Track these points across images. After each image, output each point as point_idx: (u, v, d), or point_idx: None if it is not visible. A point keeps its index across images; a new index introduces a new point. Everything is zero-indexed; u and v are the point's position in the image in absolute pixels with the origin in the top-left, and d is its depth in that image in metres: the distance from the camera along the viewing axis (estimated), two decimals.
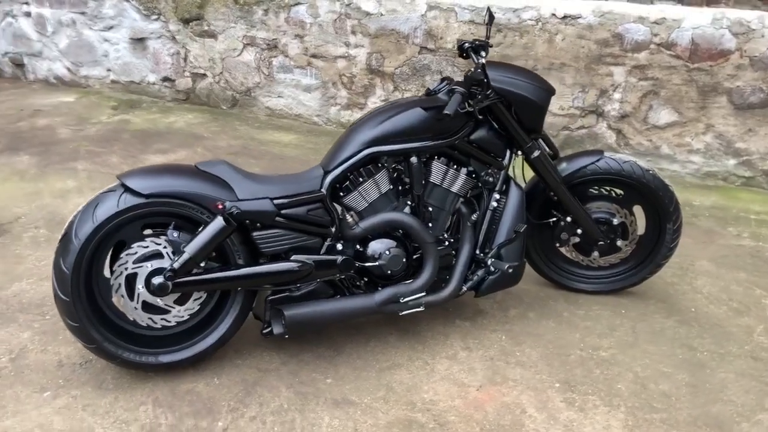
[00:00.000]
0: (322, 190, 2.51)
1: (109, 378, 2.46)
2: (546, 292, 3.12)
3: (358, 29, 5.05)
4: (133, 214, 2.31)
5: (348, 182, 2.58)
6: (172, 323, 2.45)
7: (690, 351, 2.75)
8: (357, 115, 5.26)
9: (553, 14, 4.52)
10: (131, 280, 2.35)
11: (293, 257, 2.47)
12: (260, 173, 2.64)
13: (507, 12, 4.62)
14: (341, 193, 2.59)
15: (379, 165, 2.61)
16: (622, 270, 3.08)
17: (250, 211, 2.39)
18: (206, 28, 5.53)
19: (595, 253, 2.99)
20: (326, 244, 2.55)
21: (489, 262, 2.69)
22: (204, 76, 5.72)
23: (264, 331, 2.51)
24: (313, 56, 5.27)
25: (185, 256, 2.31)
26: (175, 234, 2.35)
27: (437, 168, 2.67)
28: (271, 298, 2.51)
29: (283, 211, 2.45)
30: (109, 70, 6.05)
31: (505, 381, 2.54)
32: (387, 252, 2.58)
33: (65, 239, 2.28)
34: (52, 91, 6.17)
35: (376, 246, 2.59)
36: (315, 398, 2.42)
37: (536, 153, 2.75)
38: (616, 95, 4.56)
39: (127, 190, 2.30)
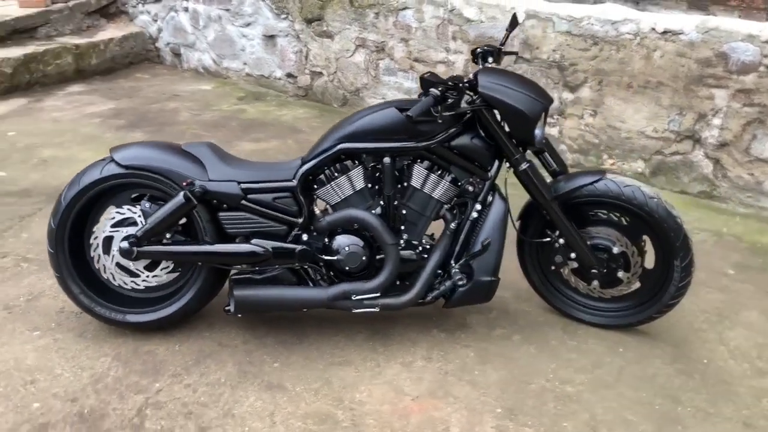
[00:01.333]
0: (294, 180, 2.59)
1: (91, 329, 2.74)
2: (546, 317, 2.94)
3: (459, 35, 5.02)
4: (113, 183, 2.55)
5: (323, 176, 2.64)
6: (141, 287, 2.67)
7: (672, 403, 2.46)
8: None
9: (653, 28, 4.19)
10: (109, 241, 2.60)
11: (253, 241, 2.57)
12: (244, 159, 2.78)
13: (605, 24, 4.35)
14: (315, 186, 2.65)
15: (356, 162, 2.63)
16: (625, 305, 2.82)
17: (215, 192, 2.53)
18: (325, 28, 5.81)
19: (595, 282, 2.76)
20: (293, 233, 2.62)
21: (452, 272, 2.61)
22: (320, 74, 6.00)
23: (225, 308, 2.65)
24: (416, 60, 5.33)
25: (146, 226, 2.51)
26: (147, 205, 2.57)
27: (418, 172, 2.64)
28: (234, 277, 2.64)
29: (249, 196, 2.57)
30: (245, 63, 6.56)
31: (446, 396, 2.46)
32: (347, 248, 2.60)
33: (57, 200, 2.58)
34: (198, 79, 6.81)
35: (340, 241, 2.62)
36: (253, 378, 2.52)
37: (524, 166, 2.61)
38: (716, 121, 4.11)
39: (113, 161, 2.55)
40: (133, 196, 2.64)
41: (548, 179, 2.75)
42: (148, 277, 2.65)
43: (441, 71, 5.18)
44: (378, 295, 2.59)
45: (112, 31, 7.17)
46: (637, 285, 2.79)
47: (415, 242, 2.68)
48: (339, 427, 2.30)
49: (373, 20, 5.49)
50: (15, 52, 6.07)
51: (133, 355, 2.61)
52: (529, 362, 2.66)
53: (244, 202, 2.57)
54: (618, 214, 2.70)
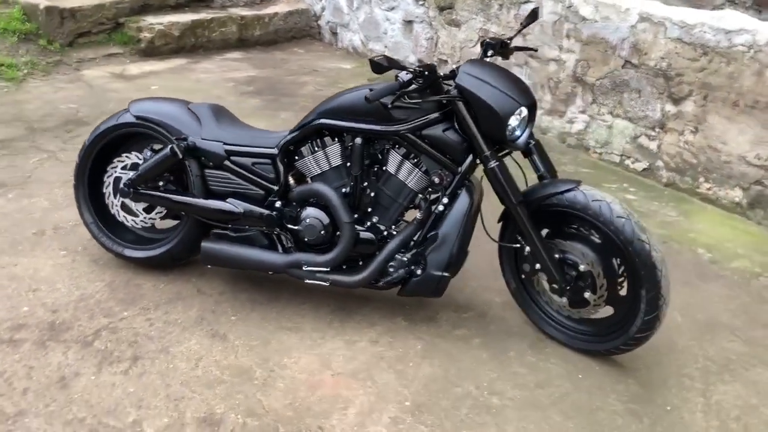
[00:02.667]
0: (275, 148, 2.74)
1: (105, 258, 3.12)
2: (522, 329, 2.81)
3: (572, 34, 4.78)
4: (125, 130, 2.88)
5: (304, 148, 2.75)
6: (139, 226, 2.99)
7: None
8: (557, 122, 5.02)
9: None
10: (118, 182, 2.94)
11: (228, 200, 2.77)
12: (245, 124, 2.97)
13: (718, 33, 3.91)
14: (296, 157, 2.77)
15: (335, 139, 2.71)
16: (593, 330, 2.62)
17: (202, 149, 2.76)
18: (454, 17, 5.81)
19: (564, 299, 2.59)
20: (269, 198, 2.78)
21: (404, 260, 2.60)
22: (446, 62, 6.02)
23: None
24: (530, 56, 5.17)
25: (138, 172, 2.81)
26: (149, 153, 2.86)
27: (393, 157, 2.66)
28: (213, 231, 2.86)
29: (232, 158, 2.76)
30: (385, 46, 6.76)
31: (366, 380, 2.49)
32: (307, 220, 2.69)
33: (84, 142, 2.97)
34: (345, 58, 7.14)
35: (306, 212, 2.72)
36: (206, 325, 2.73)
37: (491, 164, 2.51)
38: None
39: (128, 111, 2.88)
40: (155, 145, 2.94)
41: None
42: (145, 218, 2.96)
43: (551, 70, 4.99)
44: (328, 269, 2.66)
45: (281, 6, 7.73)
46: (609, 311, 2.57)
47: (382, 226, 2.70)
48: (249, 382, 2.43)
49: (497, 11, 5.40)
50: (185, 17, 6.82)
51: (123, 285, 2.95)
52: (471, 367, 2.58)
53: (227, 162, 2.76)
54: (591, 231, 2.50)
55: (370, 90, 2.49)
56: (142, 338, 2.62)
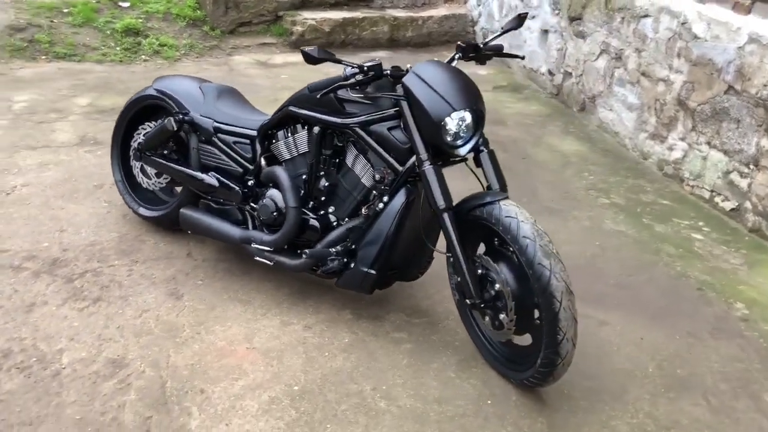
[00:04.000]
0: (255, 131, 2.91)
1: (132, 215, 3.49)
2: (466, 345, 2.69)
3: (683, 53, 4.33)
4: (148, 102, 3.23)
5: (279, 133, 2.90)
6: (152, 188, 3.33)
7: None
8: (657, 147, 4.59)
9: None
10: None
11: (209, 173, 2.99)
12: (246, 105, 3.17)
13: None
14: (273, 141, 2.92)
15: (305, 127, 2.81)
16: (510, 356, 2.44)
17: (193, 123, 3.03)
18: (581, 28, 5.52)
19: (487, 319, 2.45)
20: (245, 176, 2.96)
21: (340, 251, 2.63)
22: (570, 74, 5.74)
23: None
24: (643, 74, 4.76)
25: (143, 139, 3.14)
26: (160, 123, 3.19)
27: (351, 151, 2.72)
28: (201, 201, 3.10)
29: (218, 135, 2.98)
30: (523, 57, 6.59)
31: (273, 359, 2.58)
32: (264, 200, 2.82)
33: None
34: (489, 65, 7.08)
35: (268, 192, 2.85)
36: (171, 284, 3.00)
37: (425, 167, 2.44)
38: None
39: (152, 86, 3.23)
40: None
41: None
42: (155, 182, 3.30)
43: (660, 90, 4.58)
44: (272, 250, 2.77)
45: (439, 11, 7.86)
46: (528, 338, 2.38)
47: (333, 217, 2.75)
48: (172, 339, 2.64)
49: (618, 25, 5.05)
50: (339, 15, 7.21)
51: (131, 239, 3.31)
52: (383, 369, 2.55)
53: (214, 138, 2.99)
54: (510, 249, 2.33)
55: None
56: (114, 285, 2.94)
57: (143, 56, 6.21)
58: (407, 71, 2.53)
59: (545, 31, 6.16)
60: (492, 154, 2.53)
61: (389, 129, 2.55)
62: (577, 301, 2.25)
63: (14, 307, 2.75)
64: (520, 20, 2.73)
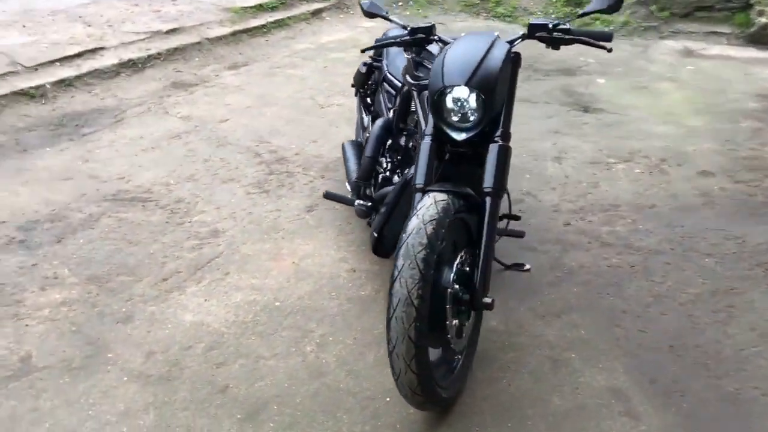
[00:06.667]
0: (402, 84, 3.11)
1: None
2: None
3: None
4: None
5: None
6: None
7: None
8: None
9: None
10: None
11: (371, 116, 3.33)
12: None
13: None
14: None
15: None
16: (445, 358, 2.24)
17: (374, 68, 3.35)
18: None
19: None
20: None
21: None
22: None
23: None
24: None
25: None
26: None
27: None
28: None
29: (383, 82, 3.25)
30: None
31: (310, 282, 2.88)
32: None
33: None
34: None
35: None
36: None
37: (425, 140, 2.31)
38: None
39: None
40: None
41: None
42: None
43: None
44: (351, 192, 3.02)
45: None
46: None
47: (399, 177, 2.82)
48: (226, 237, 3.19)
49: None
50: None
51: None
52: (312, 305, 2.61)
53: (383, 84, 3.26)
54: None
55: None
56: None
57: None
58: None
59: None
60: (503, 150, 2.20)
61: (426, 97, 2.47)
62: None
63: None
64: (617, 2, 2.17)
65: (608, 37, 2.29)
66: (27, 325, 2.57)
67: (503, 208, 2.35)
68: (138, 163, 3.85)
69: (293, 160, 3.89)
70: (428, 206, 2.01)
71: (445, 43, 2.39)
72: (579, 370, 2.36)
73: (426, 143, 2.28)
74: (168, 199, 3.46)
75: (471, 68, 2.17)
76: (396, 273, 1.91)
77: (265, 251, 3.04)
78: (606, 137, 4.25)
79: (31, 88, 4.64)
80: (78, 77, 4.91)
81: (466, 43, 2.28)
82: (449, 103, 2.19)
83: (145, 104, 4.68)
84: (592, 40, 2.27)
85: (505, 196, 2.36)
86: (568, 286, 2.82)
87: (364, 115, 3.49)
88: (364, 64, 3.37)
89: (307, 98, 4.83)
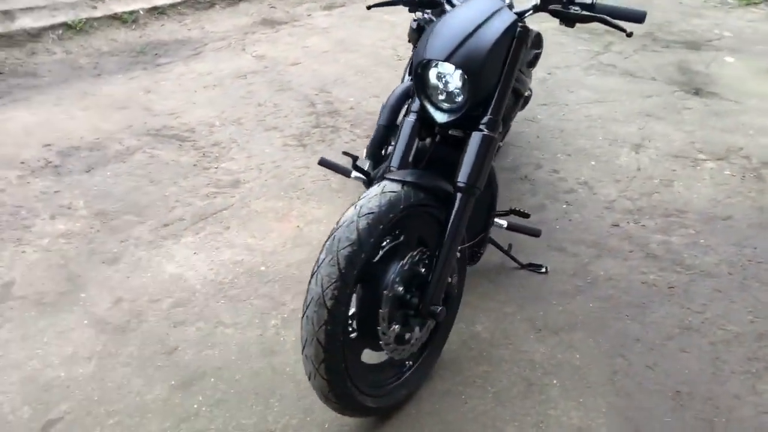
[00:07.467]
0: None
1: None
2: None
3: None
4: None
5: None
6: None
7: None
8: None
9: None
10: None
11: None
12: None
13: None
14: None
15: None
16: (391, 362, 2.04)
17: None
18: None
19: None
20: None
21: None
22: None
23: None
24: None
25: None
26: None
27: None
28: None
29: None
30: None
31: (305, 251, 2.75)
32: None
33: None
34: None
35: None
36: None
37: (409, 117, 2.07)
38: None
39: None
40: None
41: None
42: None
43: None
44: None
45: None
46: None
47: None
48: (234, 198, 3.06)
49: None
50: None
51: None
52: None
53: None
54: None
55: None
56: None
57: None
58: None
59: None
60: (486, 141, 1.90)
61: None
62: None
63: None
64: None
65: (640, 18, 1.88)
66: (23, 252, 2.63)
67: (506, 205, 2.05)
68: (194, 99, 3.82)
69: (345, 114, 3.70)
70: (371, 197, 1.76)
71: (453, 7, 2.09)
72: (553, 401, 2.06)
73: (409, 121, 2.03)
74: (205, 141, 3.41)
75: (456, 42, 1.87)
76: (315, 267, 1.70)
77: (274, 210, 2.92)
78: (705, 128, 3.67)
79: (125, 12, 4.74)
80: (172, 5, 4.96)
81: (466, 10, 1.97)
82: (432, 78, 1.92)
83: (227, 39, 4.64)
84: (613, 20, 1.87)
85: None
86: (583, 299, 2.47)
87: None
88: (415, 20, 3.08)
89: (389, 48, 4.58)
